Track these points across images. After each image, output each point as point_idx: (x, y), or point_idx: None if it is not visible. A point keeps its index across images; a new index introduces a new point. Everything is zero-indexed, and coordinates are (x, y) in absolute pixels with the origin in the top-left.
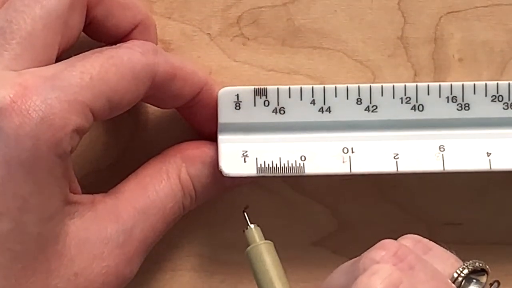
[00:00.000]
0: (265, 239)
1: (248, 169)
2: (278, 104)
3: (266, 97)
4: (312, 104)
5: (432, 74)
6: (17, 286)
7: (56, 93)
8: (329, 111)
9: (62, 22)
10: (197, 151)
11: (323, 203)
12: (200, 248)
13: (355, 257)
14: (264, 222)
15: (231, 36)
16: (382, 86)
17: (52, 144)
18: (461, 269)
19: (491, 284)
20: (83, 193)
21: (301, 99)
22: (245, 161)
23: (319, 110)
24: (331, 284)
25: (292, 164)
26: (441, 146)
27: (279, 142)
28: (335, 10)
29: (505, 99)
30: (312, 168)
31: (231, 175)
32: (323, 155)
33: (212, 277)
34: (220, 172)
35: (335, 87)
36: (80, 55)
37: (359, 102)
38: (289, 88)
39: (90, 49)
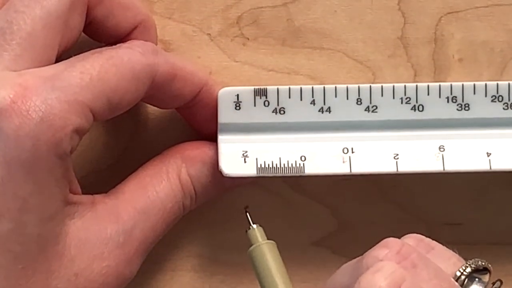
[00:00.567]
0: (267, 239)
1: (248, 169)
2: (278, 104)
3: (266, 97)
4: (312, 104)
5: (432, 74)
6: (17, 287)
7: (56, 94)
8: (329, 111)
9: (62, 22)
10: (197, 151)
11: (323, 203)
12: (200, 249)
13: (355, 257)
14: (264, 222)
15: (231, 36)
16: (382, 86)
17: (52, 144)
18: (464, 268)
19: (493, 283)
20: (83, 193)
21: (301, 99)
22: (245, 161)
23: (319, 110)
24: (334, 283)
25: (292, 164)
26: (441, 146)
27: (279, 142)
28: (335, 10)
29: (505, 99)
30: (312, 168)
31: (231, 175)
32: (323, 155)
33: (212, 277)
34: (220, 172)
35: (335, 87)
36: (80, 55)
37: (359, 102)
38: (289, 88)
39: (90, 49)
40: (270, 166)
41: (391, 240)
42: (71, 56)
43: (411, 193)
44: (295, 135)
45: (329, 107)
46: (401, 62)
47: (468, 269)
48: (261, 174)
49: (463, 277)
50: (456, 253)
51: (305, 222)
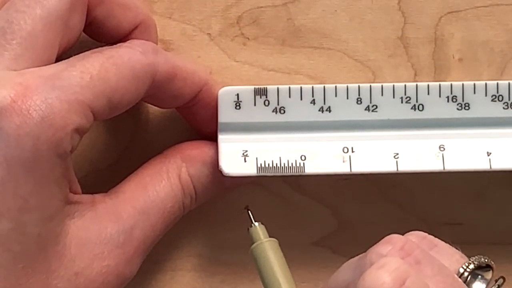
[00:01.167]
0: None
1: (248, 169)
2: (278, 104)
3: (266, 97)
4: (312, 104)
5: (432, 74)
6: (17, 286)
7: (56, 93)
8: (329, 111)
9: (63, 22)
10: (197, 151)
11: (323, 203)
12: (200, 248)
13: (355, 256)
14: (264, 222)
15: (231, 36)
16: (382, 85)
17: (52, 144)
18: (467, 264)
19: (496, 280)
20: (83, 193)
21: (301, 99)
22: (245, 161)
23: (319, 110)
24: (337, 281)
25: (292, 164)
26: (441, 146)
27: (279, 142)
28: (336, 10)
29: (505, 99)
30: (312, 167)
31: (231, 175)
32: (323, 154)
33: (212, 277)
34: (220, 171)
35: (335, 86)
36: (80, 54)
37: (359, 102)
38: (289, 88)
39: (90, 49)
40: (270, 165)
41: (394, 237)
42: (71, 56)
43: (411, 193)
44: (295, 134)
45: (329, 107)
46: (401, 62)
47: (471, 266)
48: (261, 174)
49: (466, 273)
50: (458, 250)
51: (305, 222)
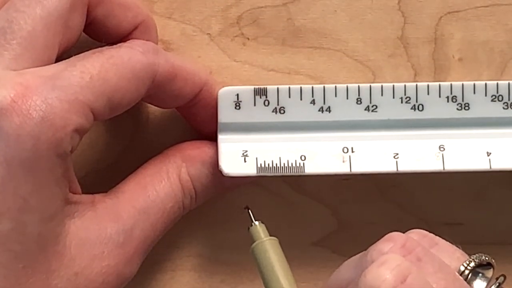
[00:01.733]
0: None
1: (248, 169)
2: (278, 104)
3: (266, 97)
4: (312, 104)
5: (432, 74)
6: (17, 286)
7: (56, 93)
8: (329, 111)
9: (63, 22)
10: (197, 151)
11: (323, 203)
12: (200, 248)
13: None
14: (264, 222)
15: (231, 36)
16: (382, 86)
17: (52, 144)
18: (467, 262)
19: (497, 278)
20: (83, 193)
21: (301, 99)
22: (245, 161)
23: (319, 110)
24: (338, 279)
25: (292, 164)
26: (441, 146)
27: (279, 142)
28: (335, 10)
29: (505, 99)
30: (312, 168)
31: (231, 175)
32: (323, 154)
33: (212, 277)
34: (220, 172)
35: (335, 87)
36: (81, 54)
37: (359, 102)
38: (289, 88)
39: (90, 49)
40: (270, 165)
41: (395, 234)
42: (71, 56)
43: (411, 193)
44: (295, 134)
45: (329, 107)
46: (401, 62)
47: (472, 264)
48: (261, 174)
49: (467, 271)
50: (459, 248)
51: (305, 222)
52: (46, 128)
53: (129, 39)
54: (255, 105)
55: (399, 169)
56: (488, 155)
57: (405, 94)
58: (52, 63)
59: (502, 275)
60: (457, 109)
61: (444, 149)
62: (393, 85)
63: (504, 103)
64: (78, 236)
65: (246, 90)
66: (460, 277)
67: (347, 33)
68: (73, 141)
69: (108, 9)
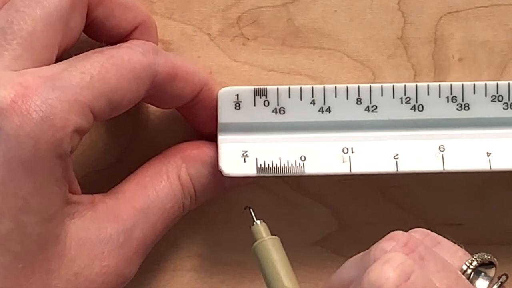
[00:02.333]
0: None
1: (248, 169)
2: (278, 104)
3: (266, 97)
4: (312, 104)
5: (432, 74)
6: (17, 286)
7: (56, 93)
8: (329, 111)
9: (63, 22)
10: (197, 151)
11: (323, 203)
12: (200, 248)
13: None
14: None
15: (231, 36)
16: (382, 86)
17: (52, 144)
18: (470, 262)
19: (499, 277)
20: (83, 193)
21: (301, 99)
22: (245, 161)
23: (319, 110)
24: (340, 278)
25: (292, 164)
26: (441, 146)
27: (279, 142)
28: (335, 10)
29: (505, 99)
30: (312, 168)
31: (231, 175)
32: (323, 155)
33: (212, 277)
34: (220, 172)
35: (335, 87)
36: (81, 55)
37: (359, 102)
38: (289, 88)
39: (90, 49)
40: (270, 166)
41: (398, 233)
42: (71, 56)
43: (411, 193)
44: (295, 135)
45: (329, 107)
46: (401, 62)
47: (474, 263)
48: (261, 174)
49: (469, 271)
50: (461, 247)
51: (305, 222)
52: (46, 129)
53: (129, 40)
54: (255, 105)
55: (399, 169)
56: (488, 156)
57: (405, 94)
58: (52, 63)
59: (504, 274)
60: (457, 109)
61: (444, 149)
62: (393, 85)
63: (504, 104)
64: (78, 236)
65: (246, 90)
66: (463, 276)
67: (347, 33)
68: (73, 141)
69: (108, 10)
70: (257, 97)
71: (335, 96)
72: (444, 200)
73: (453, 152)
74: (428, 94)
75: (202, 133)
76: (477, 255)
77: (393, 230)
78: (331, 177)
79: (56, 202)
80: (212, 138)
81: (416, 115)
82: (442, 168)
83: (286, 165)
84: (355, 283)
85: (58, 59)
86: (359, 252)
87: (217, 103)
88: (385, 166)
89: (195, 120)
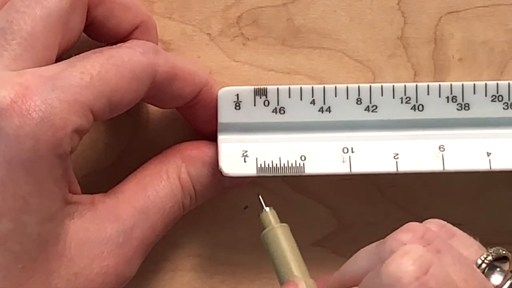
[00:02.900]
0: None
1: (248, 169)
2: (278, 104)
3: (266, 97)
4: (312, 104)
5: (432, 74)
6: (17, 287)
7: (56, 93)
8: (329, 111)
9: (63, 22)
10: (197, 151)
11: (323, 203)
12: (200, 248)
13: None
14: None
15: (231, 36)
16: (382, 86)
17: (52, 144)
18: (485, 256)
19: None
20: (83, 193)
21: (301, 99)
22: (245, 161)
23: (319, 110)
24: (353, 268)
25: (292, 164)
26: (441, 146)
27: (279, 142)
28: (335, 10)
29: (505, 99)
30: (312, 168)
31: (231, 175)
32: (323, 155)
33: (212, 277)
34: (220, 172)
35: (335, 87)
36: (80, 55)
37: (359, 102)
38: (289, 88)
39: (90, 49)
40: (270, 165)
41: (414, 225)
42: (71, 56)
43: (411, 193)
44: (295, 134)
45: (329, 107)
46: (401, 62)
47: (489, 258)
48: (261, 174)
49: (484, 265)
50: (477, 240)
51: (305, 222)
52: (46, 129)
53: (129, 39)
54: (255, 105)
55: (399, 169)
56: (488, 155)
57: (405, 94)
58: (52, 64)
59: None
60: (457, 109)
61: (444, 149)
62: (393, 85)
63: (504, 103)
64: (77, 236)
65: (246, 90)
66: (478, 270)
67: (347, 33)
68: (73, 141)
69: (108, 10)
70: (257, 97)
71: (335, 96)
72: (444, 200)
73: (453, 152)
74: (428, 94)
75: (202, 133)
76: (492, 249)
77: (393, 230)
78: (331, 177)
79: (56, 202)
80: (212, 138)
81: (416, 115)
82: (442, 168)
83: (286, 165)
84: (372, 275)
85: (58, 59)
86: None
87: (217, 103)
88: (385, 166)
89: (195, 120)
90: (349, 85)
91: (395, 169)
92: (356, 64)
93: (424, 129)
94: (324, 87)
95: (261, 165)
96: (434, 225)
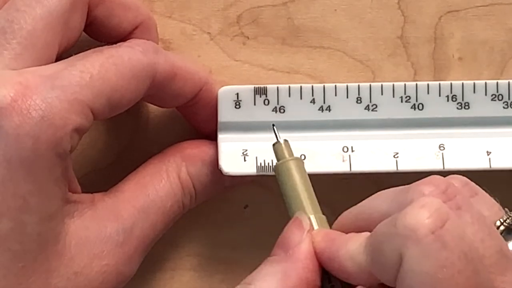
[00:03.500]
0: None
1: (248, 168)
2: (278, 103)
3: (266, 96)
4: (312, 103)
5: (432, 74)
6: (17, 286)
7: (56, 93)
8: (329, 110)
9: (63, 22)
10: (197, 150)
11: (323, 202)
12: (200, 248)
13: None
14: (264, 222)
15: (231, 36)
16: (382, 85)
17: (52, 143)
18: (504, 218)
19: None
20: (83, 192)
21: (301, 98)
22: (245, 160)
23: (319, 109)
24: (371, 208)
25: None
26: (441, 145)
27: None
28: (335, 9)
29: (505, 98)
30: (312, 167)
31: (231, 174)
32: (323, 154)
33: (212, 277)
34: (220, 171)
35: (335, 86)
36: (80, 54)
37: (359, 101)
38: (289, 87)
39: (90, 49)
40: (270, 164)
41: (437, 178)
42: (71, 55)
43: None
44: (294, 133)
45: (329, 106)
46: (401, 61)
47: (508, 220)
48: (261, 173)
49: (502, 227)
50: (497, 201)
51: None
52: (46, 128)
53: (129, 39)
54: (255, 104)
55: (399, 168)
56: (488, 154)
57: (405, 94)
58: (52, 63)
59: None
60: (457, 108)
61: (444, 148)
62: (393, 85)
63: (504, 103)
64: (77, 235)
65: (246, 89)
66: (497, 231)
67: (347, 33)
68: (73, 140)
69: (108, 9)
70: (257, 96)
71: (335, 95)
72: None
73: (453, 151)
74: (428, 93)
75: (202, 132)
76: None
77: None
78: (331, 176)
79: (56, 201)
80: (212, 137)
81: (416, 114)
82: (442, 167)
83: None
84: (388, 222)
85: (58, 59)
86: None
87: (217, 102)
88: (385, 165)
89: (195, 119)
90: (349, 84)
91: (395, 168)
92: (356, 63)
93: (424, 128)
94: (324, 86)
95: (261, 164)
96: (457, 181)
